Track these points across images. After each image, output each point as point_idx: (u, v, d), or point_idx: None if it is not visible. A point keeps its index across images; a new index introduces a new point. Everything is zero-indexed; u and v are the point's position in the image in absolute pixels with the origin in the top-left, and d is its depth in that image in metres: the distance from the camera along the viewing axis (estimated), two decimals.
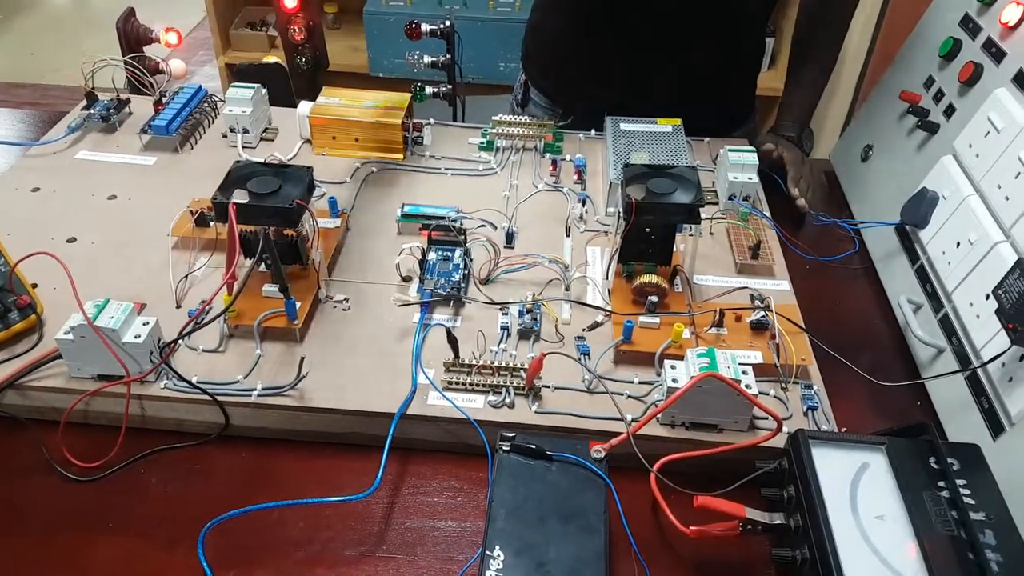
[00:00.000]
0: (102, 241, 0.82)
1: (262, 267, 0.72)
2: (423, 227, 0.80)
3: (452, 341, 0.67)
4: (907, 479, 0.57)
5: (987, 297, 0.68)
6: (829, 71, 1.09)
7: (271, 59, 1.29)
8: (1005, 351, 0.64)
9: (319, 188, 0.88)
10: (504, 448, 0.60)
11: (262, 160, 0.76)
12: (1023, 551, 0.52)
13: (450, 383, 0.68)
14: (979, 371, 0.68)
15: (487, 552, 0.53)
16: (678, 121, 0.95)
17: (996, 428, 0.64)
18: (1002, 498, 0.56)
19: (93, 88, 1.01)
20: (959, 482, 0.56)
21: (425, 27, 1.02)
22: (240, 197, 0.67)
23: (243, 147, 0.95)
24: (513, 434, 0.60)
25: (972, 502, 0.55)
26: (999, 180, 0.73)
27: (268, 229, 0.67)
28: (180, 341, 0.70)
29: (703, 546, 0.60)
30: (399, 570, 0.60)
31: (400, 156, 0.95)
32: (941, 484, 0.57)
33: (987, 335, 0.68)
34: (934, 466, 0.58)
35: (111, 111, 0.99)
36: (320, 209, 0.84)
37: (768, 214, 0.89)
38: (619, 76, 1.04)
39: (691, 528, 0.57)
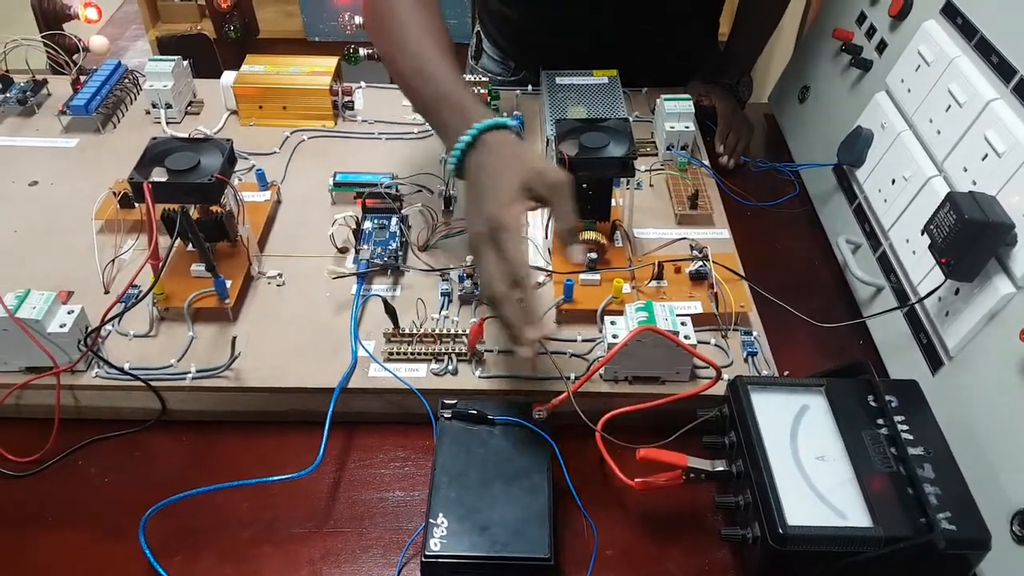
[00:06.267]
0: (25, 229, 0.79)
1: (190, 246, 0.70)
2: (357, 195, 0.78)
3: (390, 311, 0.66)
4: (846, 419, 0.57)
5: (922, 233, 0.69)
6: (777, 20, 1.08)
7: (196, 29, 1.24)
8: (940, 286, 0.64)
9: (246, 160, 0.85)
10: (446, 415, 0.59)
11: (186, 135, 0.73)
12: (962, 483, 0.53)
13: (391, 354, 0.67)
14: (917, 307, 0.69)
15: (431, 520, 0.53)
16: (614, 72, 0.93)
17: (935, 363, 0.65)
18: (940, 432, 0.56)
19: (8, 71, 0.97)
20: (897, 419, 0.57)
21: None
22: (158, 175, 0.65)
23: (167, 123, 0.91)
24: (454, 401, 0.60)
25: (911, 438, 0.56)
26: (931, 114, 0.73)
27: (186, 207, 0.64)
28: (110, 328, 0.68)
29: (649, 497, 0.61)
30: (347, 543, 0.59)
31: (331, 123, 0.93)
32: (880, 422, 0.57)
33: (923, 271, 0.68)
34: (873, 404, 0.58)
35: (28, 94, 0.95)
36: (249, 182, 0.82)
37: (707, 163, 0.88)
38: (582, 27, 1.00)
39: (636, 480, 0.58)
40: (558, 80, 0.92)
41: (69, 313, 0.63)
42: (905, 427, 0.56)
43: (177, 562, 0.57)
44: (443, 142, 0.67)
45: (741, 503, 0.56)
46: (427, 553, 0.51)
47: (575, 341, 0.69)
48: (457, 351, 0.66)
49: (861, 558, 0.51)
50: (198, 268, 0.69)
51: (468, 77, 0.98)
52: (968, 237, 0.59)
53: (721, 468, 0.58)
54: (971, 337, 0.62)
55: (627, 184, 0.75)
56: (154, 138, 0.69)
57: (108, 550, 0.58)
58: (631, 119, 0.77)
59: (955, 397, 0.61)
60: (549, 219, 0.77)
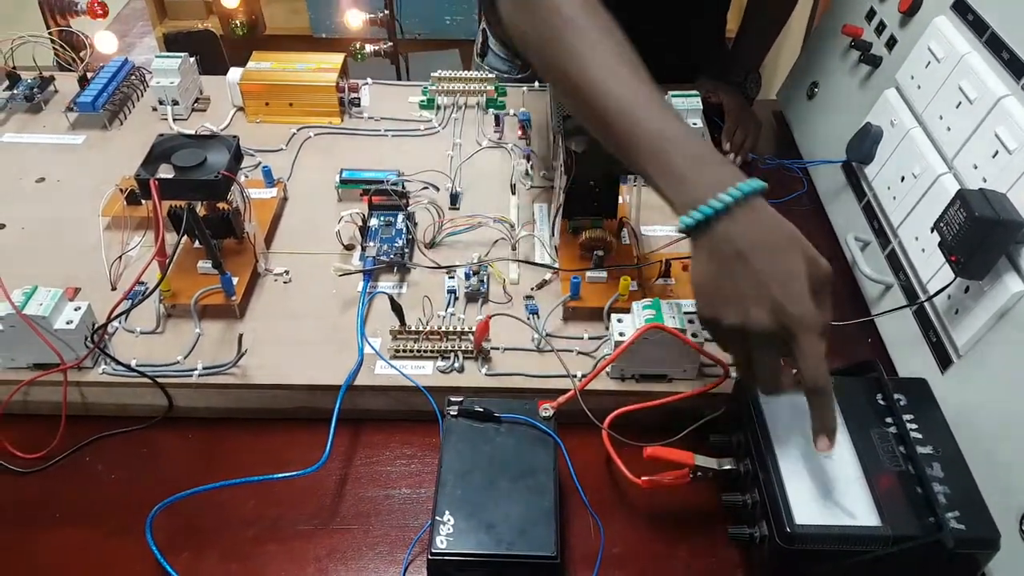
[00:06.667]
0: (33, 226, 0.79)
1: (197, 243, 0.70)
2: (363, 192, 0.78)
3: (396, 308, 0.66)
4: (855, 417, 0.57)
5: (931, 230, 0.68)
6: (786, 18, 1.07)
7: (203, 26, 1.24)
8: (949, 284, 0.64)
9: (252, 157, 0.85)
10: (452, 413, 0.59)
11: (192, 132, 0.73)
12: (971, 482, 0.53)
13: (398, 351, 0.66)
14: (926, 305, 0.68)
15: (437, 518, 0.53)
16: None
17: (944, 361, 0.65)
18: (949, 431, 0.56)
19: (15, 67, 0.97)
20: (906, 417, 0.57)
21: None
22: (165, 172, 0.65)
23: (173, 119, 0.92)
24: (460, 398, 0.59)
25: (919, 436, 0.55)
26: (941, 111, 0.72)
27: (192, 204, 0.64)
28: (117, 324, 0.68)
29: (655, 496, 0.61)
30: (354, 540, 0.59)
31: (337, 119, 0.93)
32: (889, 420, 0.57)
33: (932, 269, 0.68)
34: (881, 403, 0.58)
35: (35, 90, 0.95)
36: (255, 179, 0.82)
37: None
38: None
39: (643, 479, 0.58)
40: None
41: (76, 310, 0.63)
42: (914, 426, 0.56)
43: (183, 559, 0.57)
44: (658, 186, 0.55)
45: (748, 502, 0.55)
46: (433, 551, 0.51)
47: (582, 339, 0.69)
48: (464, 348, 0.66)
49: (869, 557, 0.50)
50: (205, 265, 0.69)
51: (474, 74, 0.98)
52: (978, 235, 0.58)
53: (728, 467, 0.58)
54: (981, 335, 0.61)
55: (634, 181, 0.75)
56: (161, 135, 0.69)
57: (115, 547, 0.58)
58: None
59: (964, 396, 0.61)
60: (556, 216, 0.76)
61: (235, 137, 0.69)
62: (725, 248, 0.52)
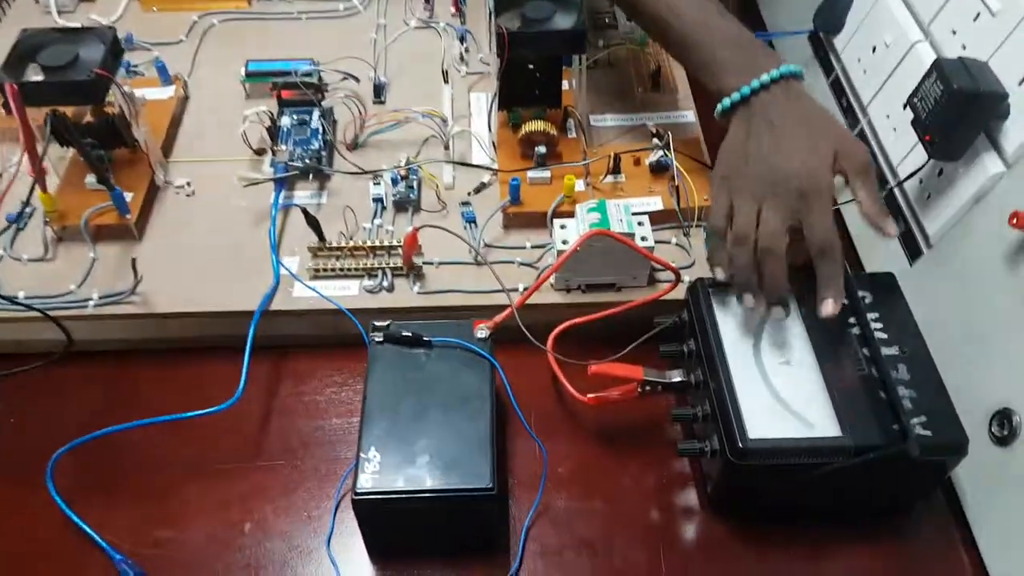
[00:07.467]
0: None
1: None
2: (272, 87, 0.69)
3: (312, 222, 0.59)
4: (816, 319, 0.52)
5: (904, 107, 0.62)
6: None
7: None
8: (922, 166, 0.58)
9: (148, 51, 0.75)
10: (377, 339, 0.53)
11: (64, 26, 0.63)
12: (939, 384, 0.49)
13: (318, 271, 0.60)
14: (895, 191, 0.63)
15: (361, 455, 0.48)
16: None
17: (914, 252, 0.60)
18: (917, 328, 0.52)
19: None
20: (871, 316, 0.52)
21: None
22: (34, 73, 0.56)
23: (59, 12, 0.80)
24: (387, 322, 0.54)
25: (885, 336, 0.51)
26: None
27: (56, 110, 0.56)
28: (1, 252, 0.60)
29: (603, 413, 0.57)
30: (280, 476, 0.55)
31: (244, 3, 0.82)
32: (852, 320, 0.53)
33: (904, 150, 0.62)
34: (844, 301, 0.53)
35: None
36: (150, 77, 0.72)
37: None
38: None
39: (589, 396, 0.53)
40: None
41: None
42: (879, 325, 0.52)
43: (94, 505, 0.52)
44: (700, 76, 0.60)
45: (699, 414, 0.52)
46: (358, 490, 0.47)
47: (524, 248, 0.63)
48: (393, 265, 0.60)
49: (829, 469, 0.47)
50: (92, 180, 0.61)
51: None
52: (956, 109, 0.53)
53: (678, 378, 0.54)
54: (954, 223, 0.56)
55: (579, 62, 0.66)
56: (24, 30, 0.59)
57: (15, 498, 0.53)
58: None
59: (934, 289, 0.57)
60: (491, 107, 0.68)
61: (111, 28, 0.59)
62: (758, 118, 0.55)
